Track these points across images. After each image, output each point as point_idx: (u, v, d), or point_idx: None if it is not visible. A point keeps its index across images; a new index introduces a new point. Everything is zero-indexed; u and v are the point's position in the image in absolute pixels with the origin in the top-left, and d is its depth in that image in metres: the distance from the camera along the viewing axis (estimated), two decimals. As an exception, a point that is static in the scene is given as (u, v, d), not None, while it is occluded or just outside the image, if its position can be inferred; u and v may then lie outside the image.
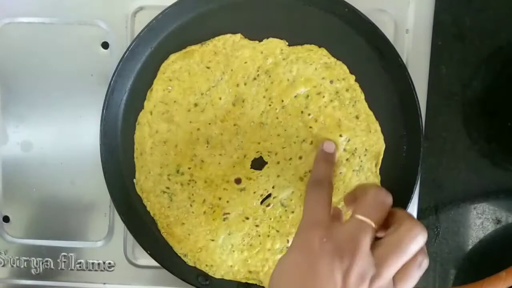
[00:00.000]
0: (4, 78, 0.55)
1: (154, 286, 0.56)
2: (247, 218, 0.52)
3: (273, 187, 0.52)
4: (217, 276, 0.52)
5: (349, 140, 0.51)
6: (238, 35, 0.51)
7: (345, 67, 0.51)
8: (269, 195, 0.52)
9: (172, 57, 0.52)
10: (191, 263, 0.52)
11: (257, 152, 0.52)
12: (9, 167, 0.56)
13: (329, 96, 0.51)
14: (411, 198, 0.50)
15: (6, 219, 0.56)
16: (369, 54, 0.51)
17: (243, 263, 0.52)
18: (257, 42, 0.51)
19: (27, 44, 0.55)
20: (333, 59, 0.51)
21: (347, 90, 0.51)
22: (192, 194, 0.52)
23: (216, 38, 0.51)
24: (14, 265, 0.56)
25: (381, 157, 0.51)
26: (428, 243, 0.57)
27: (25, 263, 0.56)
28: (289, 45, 0.51)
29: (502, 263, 0.52)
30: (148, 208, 0.53)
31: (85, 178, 0.55)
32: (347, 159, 0.51)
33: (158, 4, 0.51)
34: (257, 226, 0.52)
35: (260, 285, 0.52)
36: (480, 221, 0.57)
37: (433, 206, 0.57)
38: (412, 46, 0.53)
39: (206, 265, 0.52)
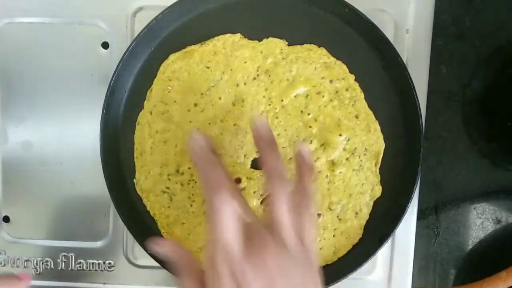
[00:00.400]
0: (4, 78, 0.55)
1: (154, 286, 0.56)
2: None
3: None
4: None
5: (348, 140, 0.51)
6: (238, 35, 0.51)
7: (344, 67, 0.51)
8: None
9: (172, 57, 0.52)
10: None
11: (257, 152, 0.52)
12: (9, 167, 0.56)
13: (329, 96, 0.51)
14: (411, 198, 0.50)
15: (6, 219, 0.56)
16: (369, 54, 0.51)
17: None
18: (256, 41, 0.51)
19: (27, 44, 0.55)
20: (332, 59, 0.51)
21: (346, 89, 0.51)
22: (192, 194, 0.52)
23: (216, 38, 0.51)
24: (14, 265, 0.56)
25: (381, 156, 0.51)
26: (428, 243, 0.57)
27: (25, 263, 0.56)
28: (288, 45, 0.51)
29: (502, 263, 0.52)
30: (148, 208, 0.53)
31: (85, 178, 0.55)
32: (346, 159, 0.51)
33: (158, 4, 0.51)
34: None
35: None
36: (480, 221, 0.57)
37: (433, 206, 0.57)
38: (412, 46, 0.53)
39: None
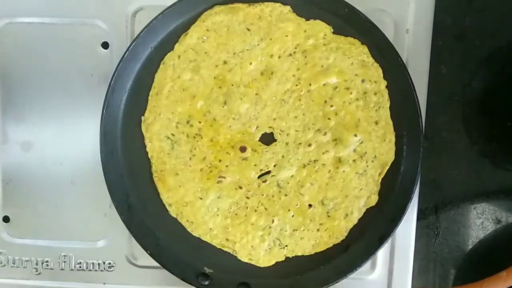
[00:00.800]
0: (4, 78, 0.55)
1: (154, 286, 0.56)
2: (240, 188, 0.52)
3: (274, 166, 0.52)
4: (195, 234, 0.52)
5: (361, 142, 0.51)
6: (288, 7, 0.51)
7: (380, 71, 0.51)
8: (268, 172, 0.52)
9: (217, 8, 0.51)
10: (173, 214, 0.52)
11: (269, 127, 0.52)
12: (9, 167, 0.56)
13: (357, 94, 0.51)
14: (411, 198, 0.50)
15: (6, 219, 0.56)
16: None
17: (223, 229, 0.52)
18: (303, 19, 0.51)
19: (27, 44, 0.55)
20: (371, 59, 0.51)
21: (375, 93, 0.51)
22: (195, 148, 0.52)
23: (265, 3, 0.51)
24: (14, 265, 0.56)
25: (387, 168, 0.51)
26: (428, 243, 0.57)
27: (25, 263, 0.56)
28: (333, 33, 0.51)
29: (502, 263, 0.52)
30: (147, 149, 0.52)
31: (85, 178, 0.55)
32: (354, 160, 0.51)
33: (158, 4, 0.51)
34: (248, 198, 0.52)
35: (234, 254, 0.52)
36: (480, 221, 0.57)
37: (433, 206, 0.57)
38: (412, 46, 0.53)
39: (187, 221, 0.52)
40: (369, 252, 0.50)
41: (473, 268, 0.57)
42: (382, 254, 0.54)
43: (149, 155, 0.53)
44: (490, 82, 0.56)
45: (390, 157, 0.51)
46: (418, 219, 0.54)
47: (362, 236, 0.52)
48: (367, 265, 0.51)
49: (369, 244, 0.51)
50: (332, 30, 0.51)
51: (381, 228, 0.51)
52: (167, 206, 0.53)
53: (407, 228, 0.53)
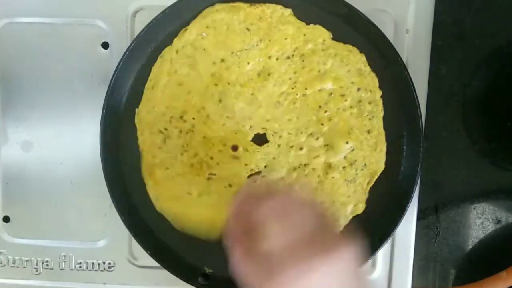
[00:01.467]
0: (4, 78, 0.55)
1: (154, 286, 0.56)
2: (230, 186, 0.52)
3: (265, 166, 0.52)
4: (180, 229, 0.52)
5: (353, 150, 0.51)
6: (289, 10, 0.51)
7: (376, 80, 0.51)
8: (259, 172, 0.52)
9: (218, 6, 0.51)
10: (158, 208, 0.52)
11: (263, 128, 0.52)
12: (9, 167, 0.56)
13: (351, 102, 0.51)
14: (411, 198, 0.50)
15: (6, 219, 0.56)
16: (369, 54, 0.51)
17: (209, 223, 0.51)
18: (304, 23, 0.51)
19: (27, 44, 0.55)
20: (368, 68, 0.51)
21: (369, 103, 0.51)
22: (187, 144, 0.52)
23: (267, 4, 0.51)
24: (14, 265, 0.56)
25: (376, 177, 0.51)
26: (428, 243, 0.57)
27: (25, 263, 0.56)
28: (332, 39, 0.51)
29: (502, 263, 0.52)
30: (139, 141, 0.52)
31: (85, 178, 0.55)
32: (343, 167, 0.51)
33: (158, 4, 0.51)
34: None
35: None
36: (480, 221, 0.57)
37: (433, 206, 0.57)
38: (412, 46, 0.53)
39: (174, 216, 0.52)
40: (369, 252, 0.50)
41: (473, 268, 0.57)
42: (382, 254, 0.54)
43: (140, 147, 0.52)
44: (490, 82, 0.56)
45: (380, 166, 0.51)
46: (418, 219, 0.54)
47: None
48: (367, 265, 0.51)
49: (369, 244, 0.51)
50: (331, 36, 0.51)
51: (381, 228, 0.51)
52: (153, 200, 0.52)
53: (407, 228, 0.53)
